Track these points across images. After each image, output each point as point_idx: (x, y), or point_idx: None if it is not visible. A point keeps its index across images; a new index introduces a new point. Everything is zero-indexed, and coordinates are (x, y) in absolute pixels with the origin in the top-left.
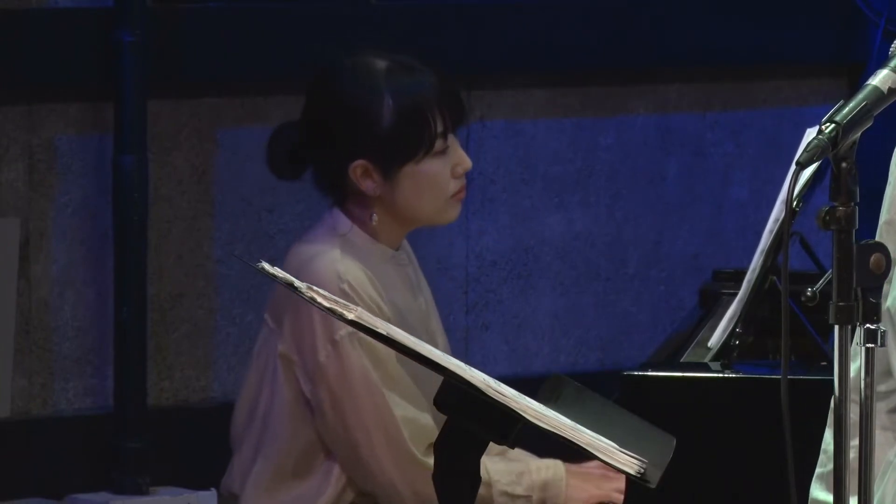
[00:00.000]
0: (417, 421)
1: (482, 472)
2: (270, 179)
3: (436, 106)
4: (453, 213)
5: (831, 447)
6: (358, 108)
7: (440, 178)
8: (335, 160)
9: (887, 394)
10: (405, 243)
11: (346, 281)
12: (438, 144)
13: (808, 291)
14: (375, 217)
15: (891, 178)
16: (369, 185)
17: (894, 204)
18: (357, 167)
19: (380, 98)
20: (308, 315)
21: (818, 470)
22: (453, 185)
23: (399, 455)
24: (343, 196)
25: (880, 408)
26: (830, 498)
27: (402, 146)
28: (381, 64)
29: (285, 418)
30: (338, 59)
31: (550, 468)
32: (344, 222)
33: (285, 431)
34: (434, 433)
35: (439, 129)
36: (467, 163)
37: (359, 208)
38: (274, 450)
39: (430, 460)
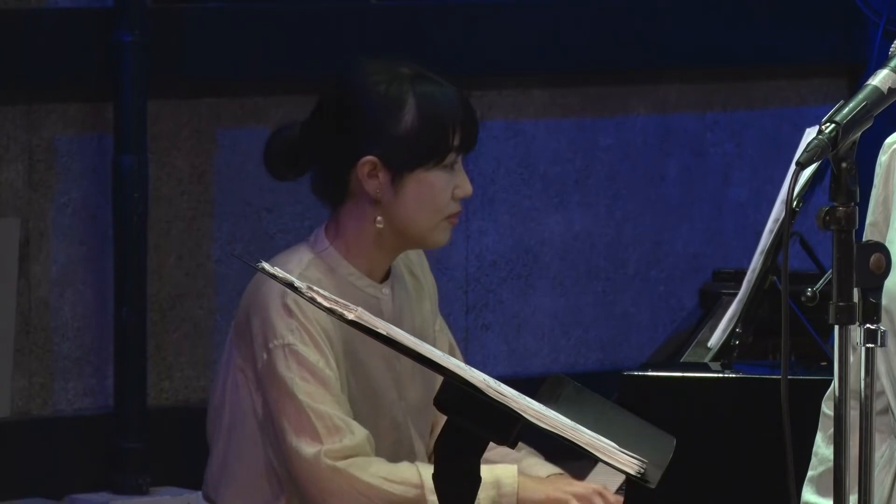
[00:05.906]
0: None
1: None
2: (270, 179)
3: (457, 120)
4: (444, 235)
5: (822, 450)
6: (378, 101)
7: (442, 193)
8: (343, 153)
9: (876, 395)
10: (410, 273)
11: (292, 295)
12: (450, 157)
13: (808, 291)
14: (381, 220)
15: (876, 181)
16: (373, 186)
17: (879, 205)
18: (366, 163)
19: (403, 97)
20: (253, 325)
21: (809, 473)
22: (451, 207)
23: (304, 456)
24: (342, 197)
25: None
26: (822, 501)
27: (418, 149)
28: (407, 69)
29: (248, 436)
30: (358, 59)
31: (500, 466)
32: (321, 241)
33: (250, 448)
34: (359, 449)
35: (455, 143)
36: (468, 188)
37: (356, 211)
38: (239, 467)
39: (343, 465)
